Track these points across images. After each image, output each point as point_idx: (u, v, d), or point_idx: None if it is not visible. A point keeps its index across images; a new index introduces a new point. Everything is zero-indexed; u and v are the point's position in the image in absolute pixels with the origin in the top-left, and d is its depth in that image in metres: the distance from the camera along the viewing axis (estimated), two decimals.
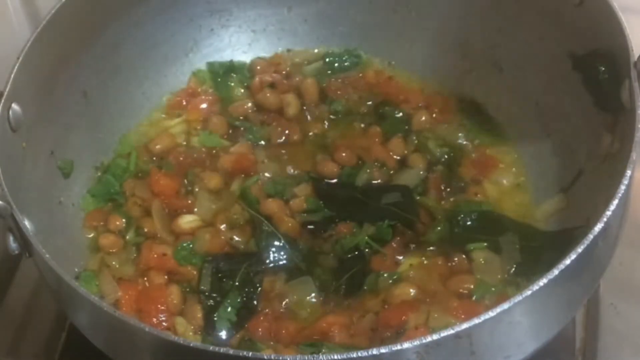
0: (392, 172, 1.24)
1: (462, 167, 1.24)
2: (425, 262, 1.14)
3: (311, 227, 1.18)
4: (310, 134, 1.31)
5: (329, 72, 1.39)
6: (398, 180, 1.22)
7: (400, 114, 1.31)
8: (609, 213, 0.87)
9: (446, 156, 1.26)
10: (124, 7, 1.26)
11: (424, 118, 1.30)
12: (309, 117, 1.33)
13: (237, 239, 1.18)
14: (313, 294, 1.11)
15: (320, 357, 0.78)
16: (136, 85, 1.34)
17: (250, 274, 1.13)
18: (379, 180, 1.23)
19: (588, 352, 1.13)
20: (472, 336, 0.81)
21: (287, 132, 1.30)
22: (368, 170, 1.23)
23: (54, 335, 1.20)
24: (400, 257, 1.14)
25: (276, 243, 1.16)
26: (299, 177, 1.25)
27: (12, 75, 1.03)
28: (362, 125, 1.31)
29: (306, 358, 0.80)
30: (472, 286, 1.09)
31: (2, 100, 1.01)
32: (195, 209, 1.21)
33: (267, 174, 1.25)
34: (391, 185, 1.22)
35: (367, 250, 1.15)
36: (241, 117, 1.34)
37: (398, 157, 1.26)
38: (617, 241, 0.97)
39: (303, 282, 1.12)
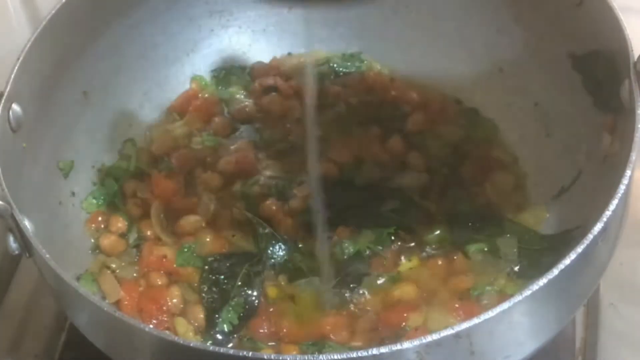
0: (391, 172, 1.24)
1: (461, 168, 1.24)
2: (425, 262, 1.14)
3: (310, 228, 1.18)
4: (311, 135, 1.31)
5: (332, 76, 1.39)
6: (399, 182, 1.22)
7: (400, 114, 1.31)
8: (608, 213, 0.87)
9: (446, 157, 1.26)
10: (124, 7, 1.26)
11: (422, 118, 1.30)
12: (309, 119, 1.33)
13: (238, 239, 1.18)
14: (319, 295, 1.12)
15: (320, 357, 0.78)
16: (136, 86, 1.34)
17: (251, 274, 1.13)
18: (379, 181, 1.23)
19: (588, 352, 1.13)
20: (472, 336, 0.81)
21: (287, 133, 1.31)
22: (368, 171, 1.23)
23: (54, 335, 1.20)
24: (400, 259, 1.15)
25: (276, 244, 1.17)
26: (299, 178, 1.25)
27: (12, 75, 1.03)
28: (362, 126, 1.31)
29: (305, 358, 0.80)
30: (471, 287, 1.09)
31: (2, 100, 1.01)
32: (197, 210, 1.21)
33: (267, 175, 1.25)
34: (390, 189, 1.22)
35: (366, 253, 1.15)
36: (242, 119, 1.34)
37: (398, 158, 1.26)
38: (617, 241, 0.97)
39: (310, 282, 1.13)
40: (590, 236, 0.85)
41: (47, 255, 0.91)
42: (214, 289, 1.12)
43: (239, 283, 1.13)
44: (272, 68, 1.40)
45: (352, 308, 1.10)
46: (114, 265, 1.17)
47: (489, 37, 1.29)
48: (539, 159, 1.23)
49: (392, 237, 1.16)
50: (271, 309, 1.11)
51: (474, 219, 1.16)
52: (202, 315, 1.10)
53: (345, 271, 1.13)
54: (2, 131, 1.01)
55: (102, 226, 1.22)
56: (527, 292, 0.81)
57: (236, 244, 1.18)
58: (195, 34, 1.39)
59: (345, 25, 1.40)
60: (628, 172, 0.90)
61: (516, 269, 1.11)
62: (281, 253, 1.16)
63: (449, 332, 0.79)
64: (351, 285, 1.12)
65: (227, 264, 1.15)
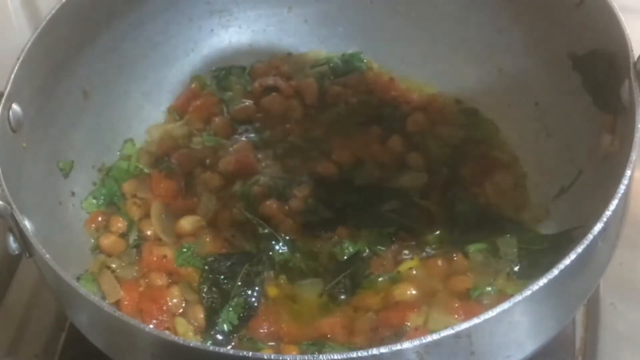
0: (391, 172, 1.24)
1: (462, 168, 1.24)
2: (425, 262, 1.14)
3: (310, 228, 1.18)
4: (311, 134, 1.31)
5: (332, 76, 1.39)
6: (399, 182, 1.22)
7: (400, 114, 1.31)
8: (608, 213, 0.87)
9: (446, 157, 1.25)
10: (124, 7, 1.26)
11: (422, 118, 1.29)
12: (309, 118, 1.33)
13: (238, 239, 1.18)
14: (319, 295, 1.12)
15: (320, 357, 0.78)
16: (137, 86, 1.34)
17: (251, 274, 1.13)
18: (379, 181, 1.23)
19: (588, 352, 1.13)
20: (472, 336, 0.81)
21: (287, 133, 1.31)
22: (368, 171, 1.23)
23: (54, 335, 1.21)
24: (400, 259, 1.15)
25: (276, 244, 1.17)
26: (299, 178, 1.25)
27: (12, 75, 1.03)
28: (362, 126, 1.31)
29: (305, 358, 0.80)
30: (471, 287, 1.09)
31: (2, 100, 1.01)
32: (197, 210, 1.21)
33: (267, 175, 1.25)
34: (390, 190, 1.22)
35: (365, 253, 1.15)
36: (242, 119, 1.34)
37: (398, 158, 1.26)
38: (617, 241, 0.97)
39: (310, 283, 1.13)
40: (590, 236, 0.85)
41: (47, 255, 0.91)
42: (214, 289, 1.12)
43: (239, 283, 1.13)
44: (272, 68, 1.40)
45: (352, 308, 1.10)
46: (114, 265, 1.17)
47: (489, 37, 1.29)
48: (539, 159, 1.23)
49: (392, 237, 1.16)
50: (271, 309, 1.11)
51: (474, 219, 1.16)
52: (202, 315, 1.10)
53: (345, 271, 1.13)
54: (2, 131, 1.01)
55: (102, 226, 1.22)
56: (527, 292, 0.81)
57: (236, 244, 1.18)
58: (195, 34, 1.39)
59: (345, 25, 1.40)
60: (628, 172, 0.90)
61: (516, 269, 1.10)
62: (281, 253, 1.16)
63: (449, 332, 0.79)
64: (351, 286, 1.12)
65: (227, 264, 1.15)
